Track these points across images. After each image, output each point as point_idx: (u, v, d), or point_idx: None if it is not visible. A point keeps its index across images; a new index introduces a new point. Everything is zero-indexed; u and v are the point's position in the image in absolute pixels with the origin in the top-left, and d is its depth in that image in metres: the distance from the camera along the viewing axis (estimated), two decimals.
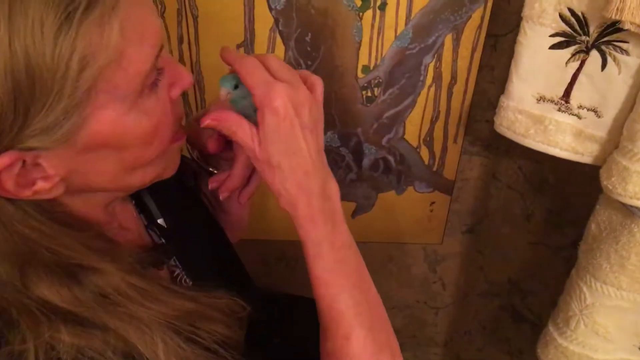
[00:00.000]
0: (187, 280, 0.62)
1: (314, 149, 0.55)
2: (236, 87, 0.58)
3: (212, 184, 0.66)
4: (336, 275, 0.58)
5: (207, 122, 0.55)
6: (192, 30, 0.86)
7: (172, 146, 0.55)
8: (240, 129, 0.55)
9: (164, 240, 0.63)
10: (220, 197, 0.65)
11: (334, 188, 0.58)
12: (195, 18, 0.85)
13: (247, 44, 0.88)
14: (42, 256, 0.47)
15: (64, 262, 0.48)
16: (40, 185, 0.45)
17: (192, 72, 0.90)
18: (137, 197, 0.64)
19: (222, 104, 0.60)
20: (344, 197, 1.06)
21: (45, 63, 0.39)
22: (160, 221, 0.64)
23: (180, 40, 0.87)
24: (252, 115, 0.58)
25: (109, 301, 0.49)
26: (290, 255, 1.20)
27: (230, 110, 0.59)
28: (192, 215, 0.72)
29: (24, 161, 0.43)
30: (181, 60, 0.89)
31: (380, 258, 1.21)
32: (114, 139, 0.46)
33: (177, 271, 0.63)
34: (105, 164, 0.48)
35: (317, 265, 0.57)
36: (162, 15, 0.84)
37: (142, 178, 0.53)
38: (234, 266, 0.78)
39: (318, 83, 0.58)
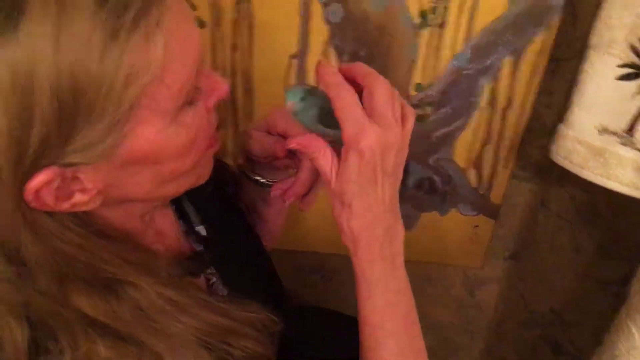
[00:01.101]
0: (223, 289, 0.62)
1: (388, 195, 0.54)
2: (303, 99, 0.57)
3: (274, 192, 0.66)
4: (385, 319, 0.57)
5: (292, 145, 0.55)
6: (246, 38, 0.85)
7: (206, 153, 0.54)
8: (322, 158, 0.54)
9: (202, 247, 0.63)
10: (286, 203, 0.65)
11: (399, 232, 0.57)
12: (250, 27, 0.84)
13: (301, 56, 0.87)
14: (80, 270, 0.47)
15: (102, 276, 0.48)
16: (78, 198, 0.44)
17: (243, 80, 0.90)
18: (177, 202, 0.64)
19: (283, 112, 0.59)
20: None
21: (90, 80, 0.38)
22: (199, 228, 0.63)
23: (234, 48, 0.87)
24: (315, 129, 0.58)
25: (144, 315, 0.49)
26: (328, 267, 1.18)
27: (293, 120, 0.58)
28: (231, 222, 0.72)
29: (63, 176, 0.43)
30: (233, 68, 0.88)
31: (418, 277, 1.18)
32: (152, 154, 0.46)
33: (213, 279, 0.62)
34: (142, 177, 0.48)
35: (367, 306, 0.57)
36: (218, 24, 0.84)
37: (177, 188, 0.53)
38: (269, 275, 0.77)
39: (411, 116, 0.56)
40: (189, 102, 0.47)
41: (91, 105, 0.39)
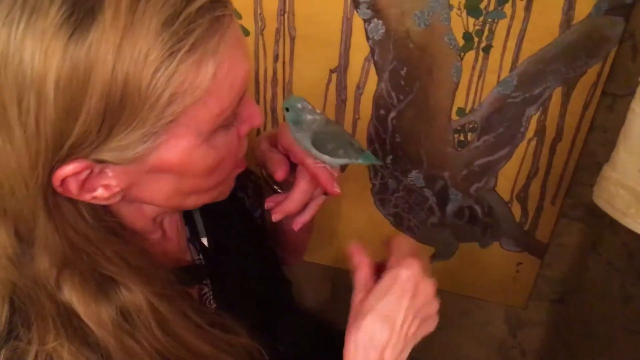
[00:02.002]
0: (212, 302, 0.62)
1: (405, 332, 0.56)
2: (297, 121, 0.58)
3: (268, 204, 0.66)
4: None
5: (354, 258, 0.60)
6: (288, 50, 0.86)
7: (231, 174, 0.56)
8: (364, 278, 0.58)
9: (201, 257, 0.63)
10: (272, 219, 0.64)
11: None
12: (292, 39, 0.85)
13: (340, 70, 0.86)
14: (81, 263, 0.48)
15: (100, 272, 0.49)
16: (100, 192, 0.47)
17: (284, 90, 0.90)
18: (186, 210, 0.65)
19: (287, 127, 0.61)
20: (423, 240, 1.01)
21: (139, 92, 0.41)
22: (203, 240, 0.64)
23: (276, 59, 0.87)
24: (309, 149, 0.58)
25: (125, 325, 0.49)
26: None
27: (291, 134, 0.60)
28: (240, 233, 0.71)
29: (92, 169, 0.45)
30: (274, 78, 0.89)
31: (456, 310, 1.13)
32: (179, 167, 0.48)
33: (206, 290, 0.62)
34: (163, 185, 0.50)
35: None
36: (261, 33, 0.85)
37: (195, 201, 0.55)
38: (275, 289, 0.76)
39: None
40: (225, 126, 0.49)
41: (134, 114, 0.42)
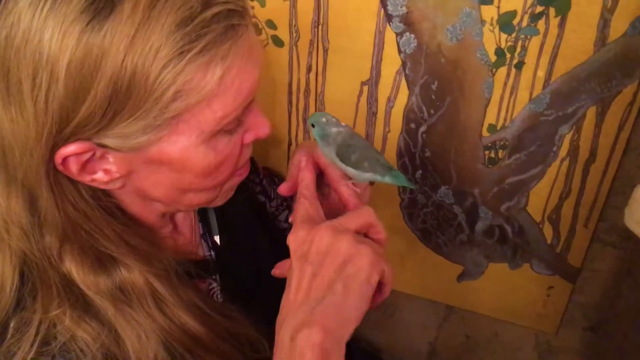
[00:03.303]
0: (218, 297, 0.63)
1: (305, 288, 0.49)
2: (323, 137, 0.60)
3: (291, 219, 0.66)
4: None
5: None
6: (320, 61, 0.87)
7: (231, 180, 0.57)
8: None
9: (213, 254, 0.65)
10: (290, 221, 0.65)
11: (306, 343, 0.47)
12: (325, 50, 0.86)
13: (372, 83, 0.86)
14: (81, 238, 0.51)
15: (99, 249, 0.52)
16: (100, 176, 0.49)
17: (316, 101, 0.91)
18: (201, 209, 0.67)
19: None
20: (451, 258, 0.99)
21: (145, 85, 0.43)
22: (216, 237, 0.65)
23: (309, 70, 0.89)
24: (332, 161, 0.59)
25: (123, 298, 0.51)
26: (388, 302, 1.15)
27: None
28: (256, 235, 0.73)
29: (93, 153, 0.47)
30: (307, 88, 0.90)
31: (485, 331, 1.11)
32: (177, 163, 0.49)
33: (214, 285, 0.64)
34: (161, 178, 0.52)
35: None
36: (295, 44, 0.87)
37: (190, 201, 0.56)
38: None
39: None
40: (228, 130, 0.51)
41: (139, 104, 0.44)
